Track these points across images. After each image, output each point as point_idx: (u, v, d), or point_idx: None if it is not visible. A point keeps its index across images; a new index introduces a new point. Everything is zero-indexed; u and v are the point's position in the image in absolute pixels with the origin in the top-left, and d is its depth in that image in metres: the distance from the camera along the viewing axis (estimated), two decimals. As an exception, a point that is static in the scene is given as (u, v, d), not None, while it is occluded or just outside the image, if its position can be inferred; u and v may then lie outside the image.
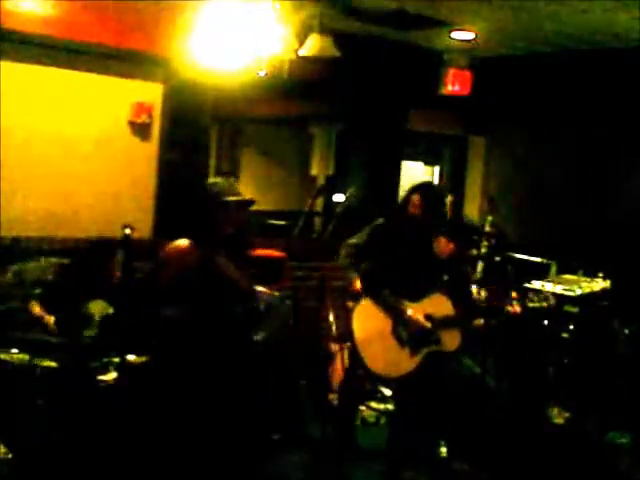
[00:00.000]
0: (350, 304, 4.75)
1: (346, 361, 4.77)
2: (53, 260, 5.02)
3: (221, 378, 3.76)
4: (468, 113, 7.96)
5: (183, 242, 3.78)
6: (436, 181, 8.98)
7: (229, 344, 3.78)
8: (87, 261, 4.91)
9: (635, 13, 5.41)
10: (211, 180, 4.03)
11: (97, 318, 4.72)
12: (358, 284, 4.84)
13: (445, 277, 4.56)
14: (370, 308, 4.44)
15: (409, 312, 4.38)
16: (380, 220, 5.04)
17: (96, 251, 4.94)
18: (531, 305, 4.40)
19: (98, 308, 4.74)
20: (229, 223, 3.79)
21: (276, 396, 4.83)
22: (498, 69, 7.51)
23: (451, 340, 4.38)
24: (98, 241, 4.99)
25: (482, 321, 4.43)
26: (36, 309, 4.61)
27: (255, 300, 3.97)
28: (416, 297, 4.43)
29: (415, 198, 4.91)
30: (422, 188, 4.98)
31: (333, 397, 5.25)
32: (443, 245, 4.56)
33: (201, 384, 3.73)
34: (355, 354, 4.42)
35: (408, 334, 4.37)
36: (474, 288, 5.10)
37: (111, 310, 4.76)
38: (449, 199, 8.36)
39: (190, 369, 3.75)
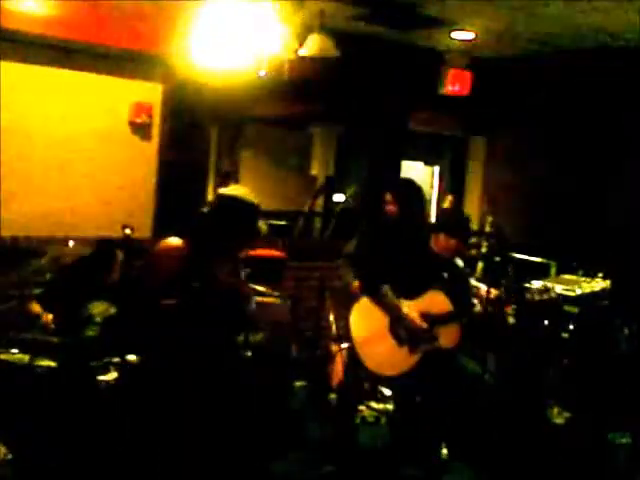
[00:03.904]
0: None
1: (346, 361, 4.77)
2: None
3: (210, 377, 3.75)
4: (468, 113, 7.96)
5: (174, 241, 3.77)
6: (436, 181, 8.99)
7: (216, 343, 3.77)
8: (89, 261, 4.88)
9: (634, 13, 5.41)
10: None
11: (98, 319, 4.71)
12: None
13: (445, 275, 4.55)
14: (368, 307, 4.43)
15: (405, 310, 4.37)
16: (364, 225, 5.13)
17: (97, 250, 4.91)
18: (530, 298, 4.40)
19: (99, 309, 4.72)
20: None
21: (275, 397, 4.83)
22: (498, 69, 7.51)
23: (449, 337, 4.37)
24: (99, 240, 4.96)
25: (479, 307, 4.44)
26: (35, 308, 4.58)
27: (247, 301, 3.95)
28: (413, 295, 4.43)
29: (387, 197, 4.96)
30: (393, 186, 5.04)
31: (333, 397, 5.26)
32: (443, 243, 4.55)
33: (191, 383, 3.73)
34: (354, 353, 4.41)
35: (405, 332, 4.37)
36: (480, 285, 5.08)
37: (113, 310, 4.75)
38: (449, 199, 8.39)
39: (179, 368, 3.75)
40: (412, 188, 4.84)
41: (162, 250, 3.80)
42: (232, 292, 3.82)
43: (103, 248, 4.86)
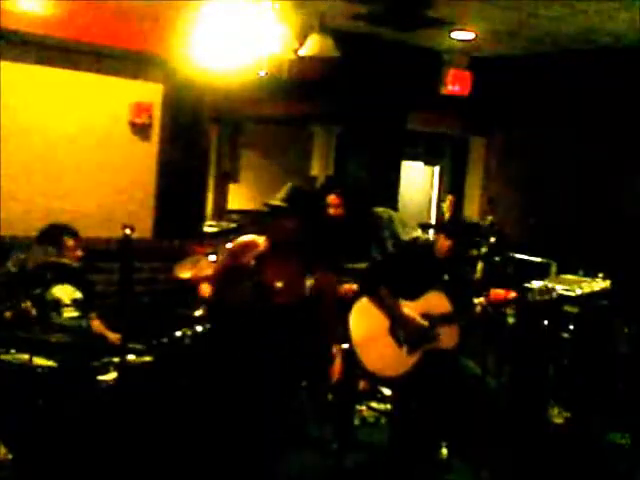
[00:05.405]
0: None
1: (344, 361, 4.76)
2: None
3: (233, 377, 3.76)
4: (468, 113, 7.96)
5: (251, 237, 3.98)
6: (436, 181, 8.98)
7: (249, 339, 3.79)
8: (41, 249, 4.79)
9: (635, 13, 5.41)
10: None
11: (68, 301, 4.67)
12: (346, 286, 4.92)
13: (445, 276, 4.55)
14: (368, 307, 4.43)
15: (405, 310, 4.37)
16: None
17: (41, 236, 4.86)
18: (532, 298, 4.39)
19: (65, 292, 4.68)
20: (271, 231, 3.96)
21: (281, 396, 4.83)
22: (498, 69, 7.51)
23: (449, 337, 4.37)
24: (45, 229, 4.91)
25: (479, 308, 4.44)
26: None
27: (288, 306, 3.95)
28: (413, 295, 4.43)
29: (332, 198, 4.96)
30: (336, 187, 5.07)
31: (332, 397, 5.25)
32: (441, 243, 4.56)
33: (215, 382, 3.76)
34: (352, 353, 4.41)
35: (405, 333, 4.36)
36: None
37: (79, 294, 4.72)
38: (449, 199, 8.37)
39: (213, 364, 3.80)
40: (357, 189, 4.94)
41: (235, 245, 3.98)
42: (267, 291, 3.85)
43: (48, 233, 4.82)
